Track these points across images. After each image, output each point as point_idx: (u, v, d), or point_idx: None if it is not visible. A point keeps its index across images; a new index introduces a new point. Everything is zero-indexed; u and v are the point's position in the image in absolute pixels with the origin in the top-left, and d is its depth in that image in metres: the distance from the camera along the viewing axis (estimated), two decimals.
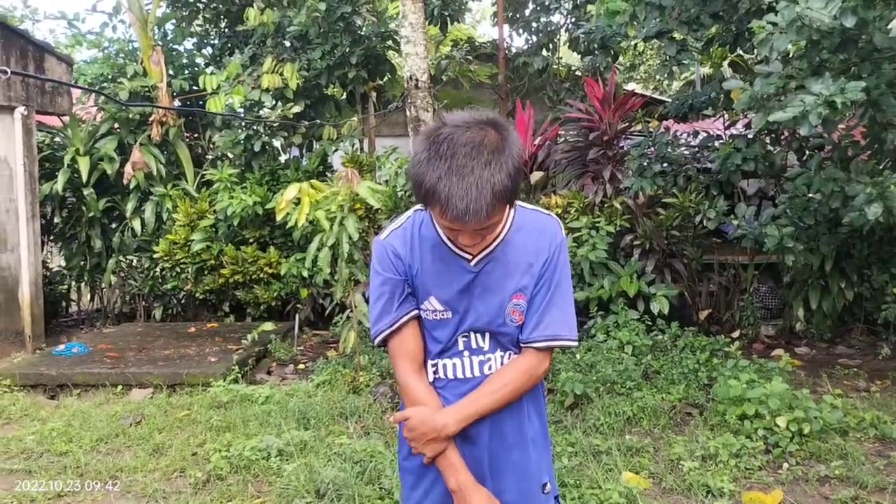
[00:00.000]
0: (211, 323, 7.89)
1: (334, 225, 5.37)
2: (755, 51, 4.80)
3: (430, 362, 1.90)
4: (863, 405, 4.85)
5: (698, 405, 4.95)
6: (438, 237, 1.85)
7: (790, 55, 5.57)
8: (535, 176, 7.24)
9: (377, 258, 1.90)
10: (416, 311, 1.88)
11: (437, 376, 1.90)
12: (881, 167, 5.51)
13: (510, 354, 1.88)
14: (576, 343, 1.89)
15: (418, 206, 1.90)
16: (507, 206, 1.72)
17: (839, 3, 3.89)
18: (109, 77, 8.66)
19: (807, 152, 6.36)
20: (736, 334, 6.60)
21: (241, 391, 5.34)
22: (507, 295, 1.84)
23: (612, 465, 3.99)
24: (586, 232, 6.54)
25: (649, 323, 6.25)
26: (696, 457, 4.08)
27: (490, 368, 1.88)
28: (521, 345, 1.86)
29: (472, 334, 1.87)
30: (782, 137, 6.57)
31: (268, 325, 6.92)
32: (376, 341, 1.92)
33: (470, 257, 1.84)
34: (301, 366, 6.44)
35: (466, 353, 1.88)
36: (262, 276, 7.73)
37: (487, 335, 1.87)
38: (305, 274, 7.47)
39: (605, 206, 6.87)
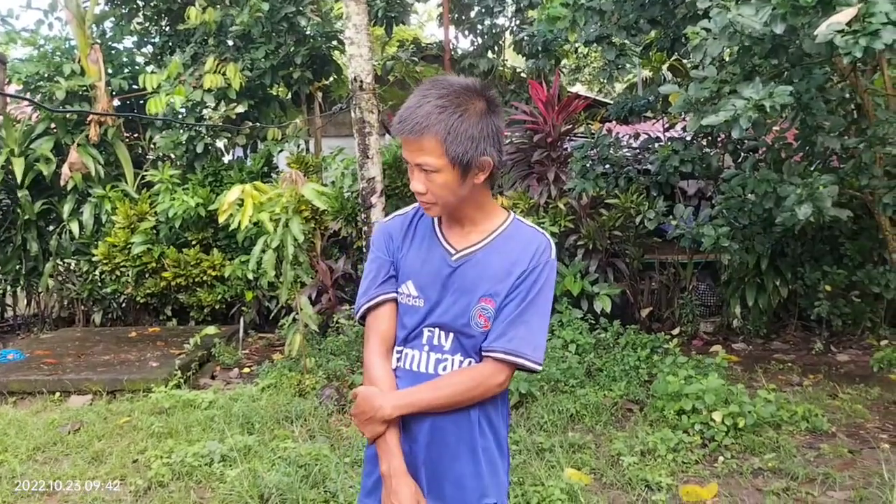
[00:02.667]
0: (153, 327, 7.74)
1: (279, 227, 5.33)
2: (691, 55, 4.93)
3: (396, 348, 1.92)
4: (795, 399, 5.03)
5: (639, 401, 5.07)
6: (431, 226, 1.93)
7: (725, 60, 5.72)
8: None
9: (373, 239, 2.01)
10: (394, 294, 1.92)
11: (398, 365, 1.90)
12: (812, 168, 5.71)
13: (471, 362, 1.85)
14: (539, 368, 1.82)
15: None
16: (451, 163, 1.72)
17: (769, 11, 4.02)
18: (45, 76, 8.41)
19: (741, 154, 6.54)
20: (676, 331, 6.78)
21: (184, 396, 5.25)
22: (477, 297, 1.82)
23: (554, 461, 4.06)
24: None
25: (593, 321, 6.36)
26: (636, 452, 4.18)
27: (445, 369, 1.85)
28: (482, 352, 1.83)
29: (437, 330, 1.86)
30: (718, 140, 6.75)
31: (211, 329, 6.82)
32: (357, 316, 1.99)
33: (453, 251, 1.87)
34: (246, 369, 6.36)
35: (427, 347, 1.87)
36: (205, 278, 7.61)
37: (451, 335, 1.85)
38: (250, 276, 7.37)
39: (550, 206, 6.96)
